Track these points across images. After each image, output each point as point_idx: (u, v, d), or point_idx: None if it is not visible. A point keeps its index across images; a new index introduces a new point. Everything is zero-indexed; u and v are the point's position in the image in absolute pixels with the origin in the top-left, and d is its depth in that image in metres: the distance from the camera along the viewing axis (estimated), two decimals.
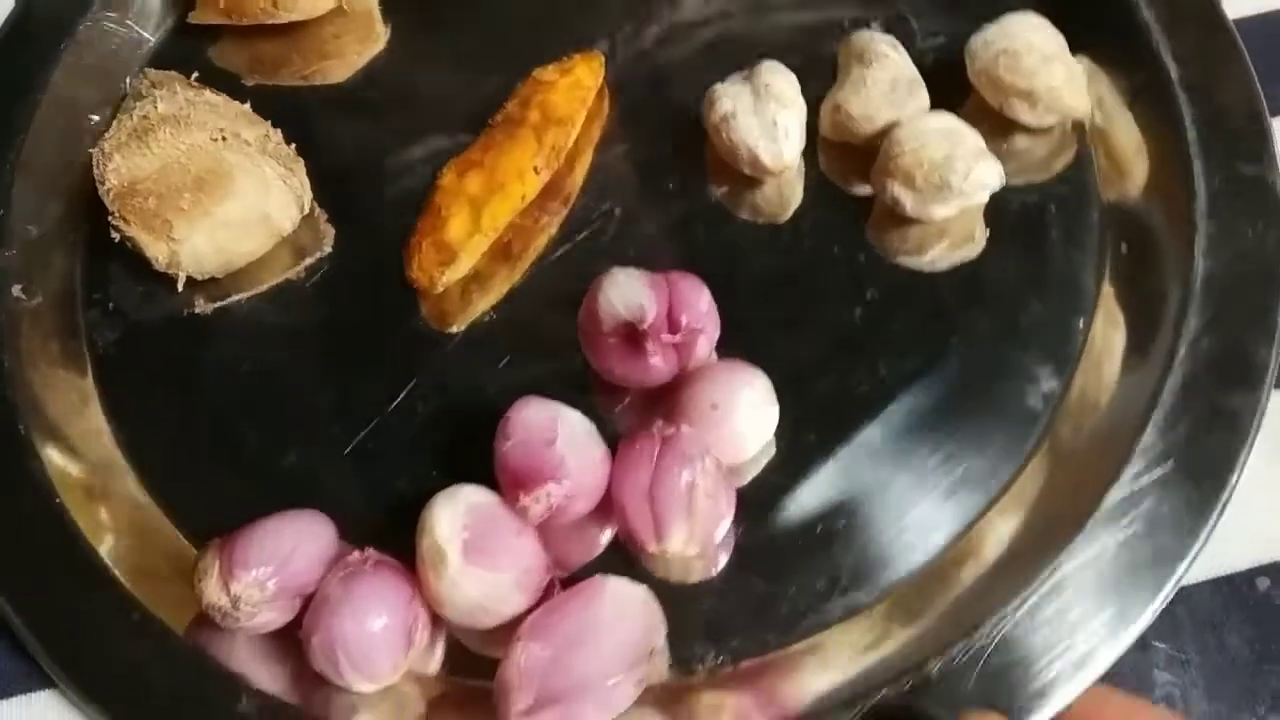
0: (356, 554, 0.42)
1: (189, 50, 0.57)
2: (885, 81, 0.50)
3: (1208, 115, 0.49)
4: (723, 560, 0.45)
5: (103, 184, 0.48)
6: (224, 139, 0.49)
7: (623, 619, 0.40)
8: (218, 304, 0.51)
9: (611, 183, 0.53)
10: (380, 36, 0.58)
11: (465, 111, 0.54)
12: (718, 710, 0.42)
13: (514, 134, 0.50)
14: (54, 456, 0.47)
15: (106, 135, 0.48)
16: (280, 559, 0.41)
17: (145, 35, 0.58)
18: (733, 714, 0.42)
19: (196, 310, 0.51)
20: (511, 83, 0.54)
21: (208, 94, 0.50)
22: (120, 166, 0.48)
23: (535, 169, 0.50)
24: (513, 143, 0.49)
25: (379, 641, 0.41)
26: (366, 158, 0.54)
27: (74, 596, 0.45)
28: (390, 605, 0.41)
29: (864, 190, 0.52)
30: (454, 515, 0.42)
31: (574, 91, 0.52)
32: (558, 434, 0.43)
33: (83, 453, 0.48)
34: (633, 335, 0.44)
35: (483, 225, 0.49)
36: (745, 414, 0.44)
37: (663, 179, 0.53)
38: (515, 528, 0.42)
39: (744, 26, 0.56)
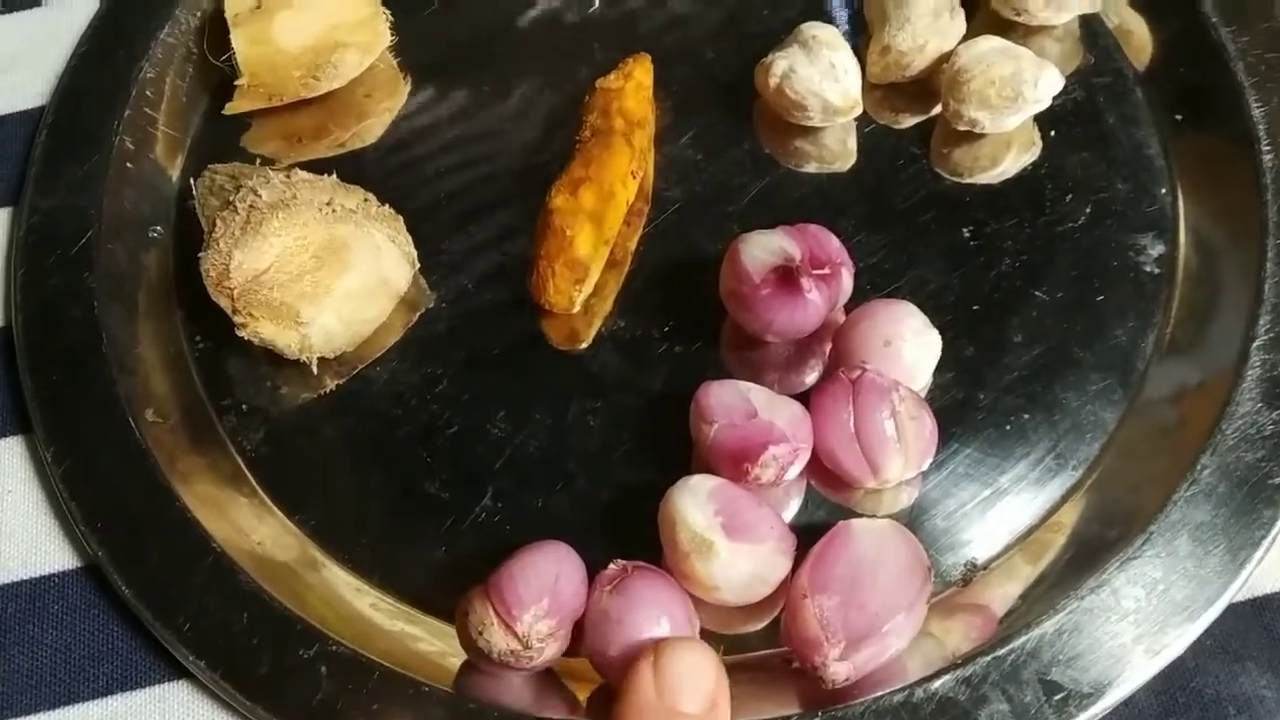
0: (613, 567, 0.43)
1: (222, 141, 0.57)
2: (927, 13, 0.53)
3: None
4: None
5: (222, 286, 0.47)
6: (330, 209, 0.49)
7: (886, 550, 0.42)
8: (348, 377, 0.51)
9: (679, 170, 0.55)
10: (404, 89, 0.58)
11: (503, 140, 0.56)
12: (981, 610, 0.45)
13: (609, 144, 0.51)
14: (250, 566, 0.46)
15: (214, 236, 0.48)
16: (550, 590, 0.42)
17: (178, 135, 0.56)
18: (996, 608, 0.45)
19: (330, 389, 0.51)
20: (533, 105, 0.56)
21: (298, 173, 0.49)
22: (242, 263, 0.47)
23: (632, 173, 0.51)
24: (610, 153, 0.51)
25: None
26: (431, 202, 0.55)
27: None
28: (666, 604, 0.42)
29: (912, 122, 0.55)
30: (701, 503, 0.43)
31: (640, 92, 0.53)
32: (754, 405, 0.45)
33: (276, 554, 0.47)
34: (785, 278, 0.46)
35: (605, 236, 0.50)
36: (913, 344, 0.47)
37: (725, 155, 0.55)
38: (754, 499, 0.44)
39: (761, 2, 0.59)
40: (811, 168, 0.55)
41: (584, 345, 0.51)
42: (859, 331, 0.47)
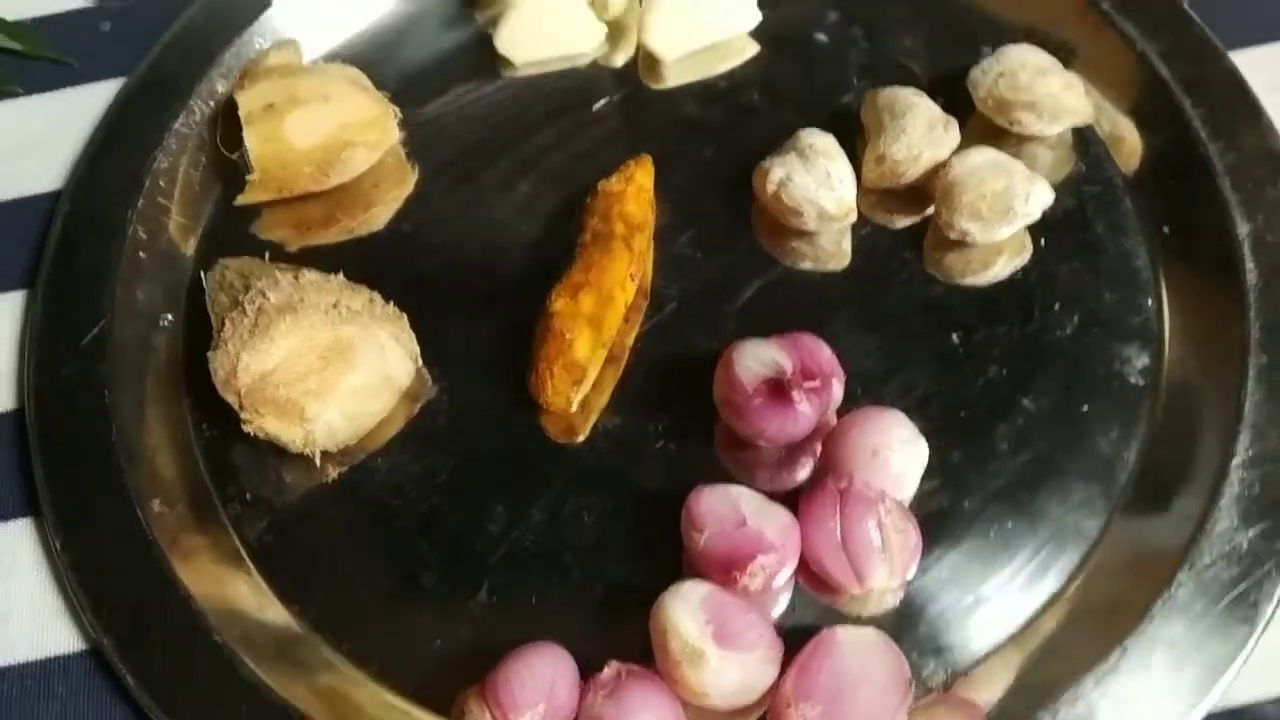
0: (607, 671, 0.44)
1: (233, 228, 0.58)
2: (922, 126, 0.55)
3: (1203, 99, 0.56)
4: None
5: (229, 385, 0.49)
6: (337, 311, 0.50)
7: (869, 662, 0.44)
8: (350, 467, 0.52)
9: (678, 267, 0.56)
10: (411, 177, 0.60)
11: (507, 234, 0.57)
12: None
13: (609, 249, 0.52)
14: (250, 656, 0.47)
15: (223, 337, 0.49)
16: (546, 695, 0.43)
17: (190, 223, 0.58)
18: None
19: (332, 478, 0.52)
20: (537, 201, 0.58)
21: (305, 274, 0.51)
22: (249, 365, 0.48)
23: (631, 276, 0.53)
24: (609, 258, 0.52)
25: None
26: (435, 294, 0.56)
27: None
28: (657, 710, 0.43)
29: (906, 223, 0.57)
30: (692, 611, 0.44)
31: (641, 195, 0.55)
32: (744, 513, 0.46)
33: (272, 640, 0.48)
34: (777, 391, 0.48)
35: (604, 339, 0.51)
36: (901, 454, 0.48)
37: (723, 254, 0.56)
38: (743, 606, 0.45)
39: (762, 105, 0.60)
40: (807, 266, 0.56)
41: (581, 439, 0.53)
42: (849, 439, 0.48)
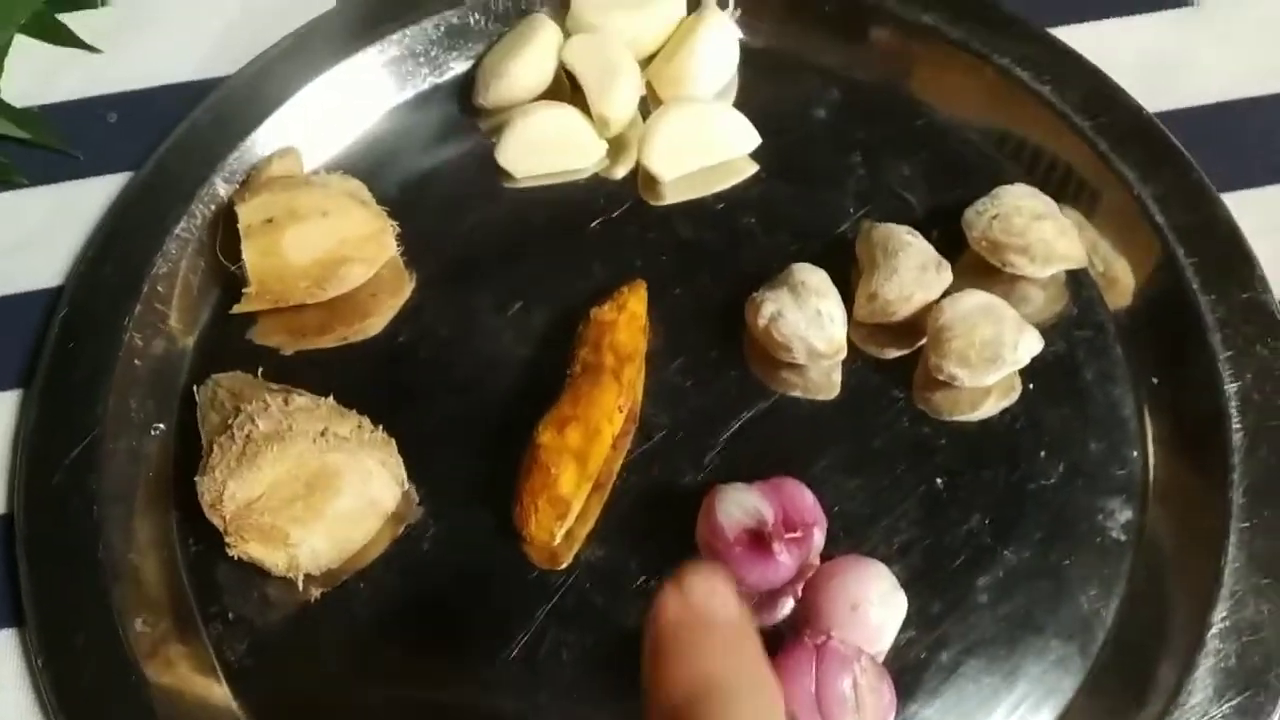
0: None
1: (228, 334, 0.59)
2: (914, 267, 0.55)
3: (1196, 249, 0.56)
4: None
5: (216, 510, 0.49)
6: (324, 439, 0.50)
7: None
8: (332, 587, 0.53)
9: (667, 395, 0.56)
10: (409, 286, 0.60)
11: (499, 353, 0.57)
12: None
13: (598, 381, 0.53)
14: None
15: (211, 463, 0.49)
16: None
17: (186, 329, 0.58)
18: None
19: (315, 598, 0.52)
20: (530, 320, 0.58)
21: (296, 399, 0.51)
22: (235, 493, 0.49)
23: (619, 408, 0.53)
24: (598, 390, 0.52)
25: None
26: (424, 413, 0.56)
27: None
28: None
29: (896, 355, 0.57)
30: None
31: (633, 324, 0.55)
32: None
33: None
34: (757, 540, 0.48)
35: (589, 473, 0.52)
36: (880, 608, 0.48)
37: (714, 384, 0.56)
38: None
39: (758, 229, 0.61)
40: (796, 394, 0.57)
41: (564, 565, 0.53)
42: (828, 591, 0.49)
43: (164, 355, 0.58)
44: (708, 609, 0.38)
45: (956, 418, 0.55)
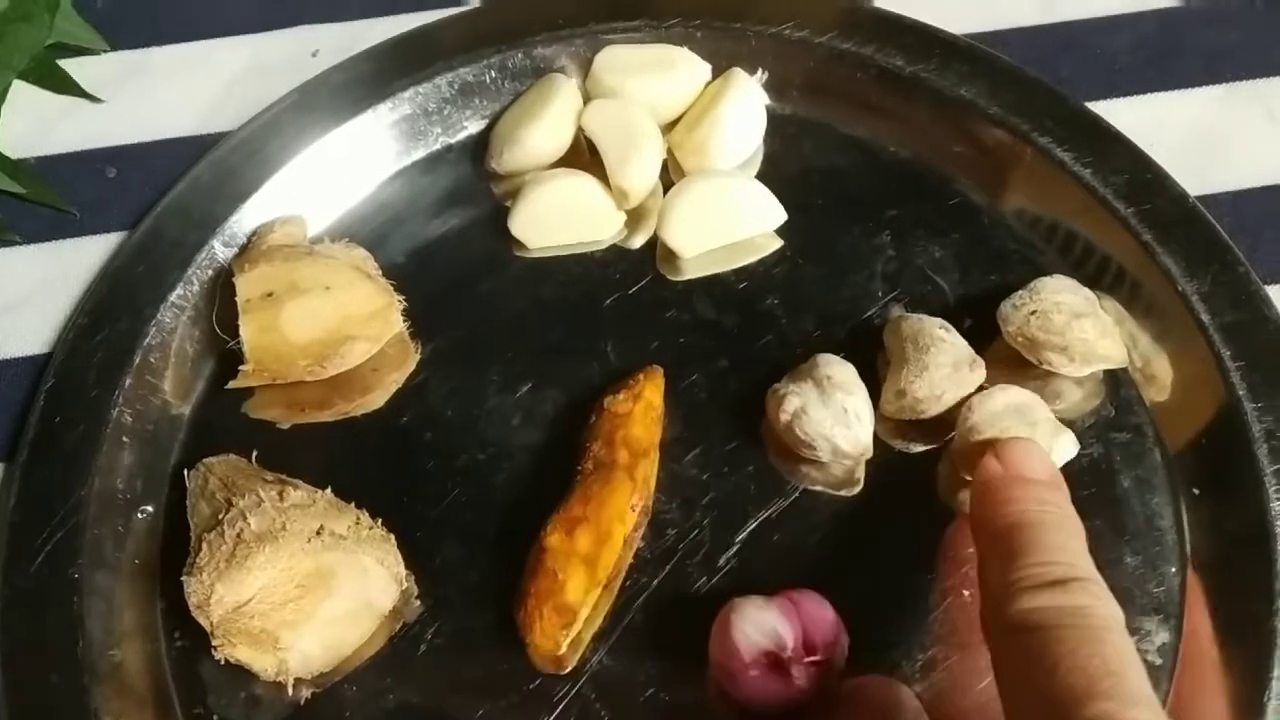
0: None
1: (222, 408, 0.56)
2: (947, 365, 0.52)
3: (1243, 350, 0.53)
4: None
5: (203, 612, 0.46)
6: (320, 538, 0.48)
7: None
8: (323, 689, 0.50)
9: (682, 489, 0.54)
10: (412, 360, 0.57)
11: (506, 438, 0.55)
12: None
13: (609, 480, 0.50)
14: None
15: (199, 563, 0.47)
16: None
17: (178, 404, 0.56)
18: None
19: (304, 701, 0.50)
20: (539, 404, 0.55)
21: (291, 493, 0.49)
22: (224, 596, 0.46)
23: (632, 508, 0.50)
24: (610, 490, 0.50)
25: None
26: (425, 504, 0.53)
27: None
28: None
29: (923, 448, 0.54)
30: None
31: (648, 415, 0.52)
32: None
33: None
34: (775, 666, 0.46)
35: (598, 578, 0.49)
36: None
37: (730, 477, 0.54)
38: None
39: (781, 311, 0.58)
40: (817, 489, 0.54)
41: (568, 670, 0.50)
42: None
43: (154, 431, 0.55)
44: (1024, 469, 0.45)
45: None
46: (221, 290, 0.57)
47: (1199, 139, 0.62)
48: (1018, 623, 0.40)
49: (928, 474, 0.54)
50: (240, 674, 0.49)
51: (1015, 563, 0.42)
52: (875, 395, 0.54)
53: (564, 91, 0.61)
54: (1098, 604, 0.41)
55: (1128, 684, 0.38)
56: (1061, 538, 0.43)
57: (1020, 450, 0.46)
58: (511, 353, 0.57)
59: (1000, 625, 0.41)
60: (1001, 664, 0.42)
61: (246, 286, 0.54)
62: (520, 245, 0.60)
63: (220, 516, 0.48)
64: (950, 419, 0.54)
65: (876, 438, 0.53)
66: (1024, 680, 0.40)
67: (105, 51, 0.66)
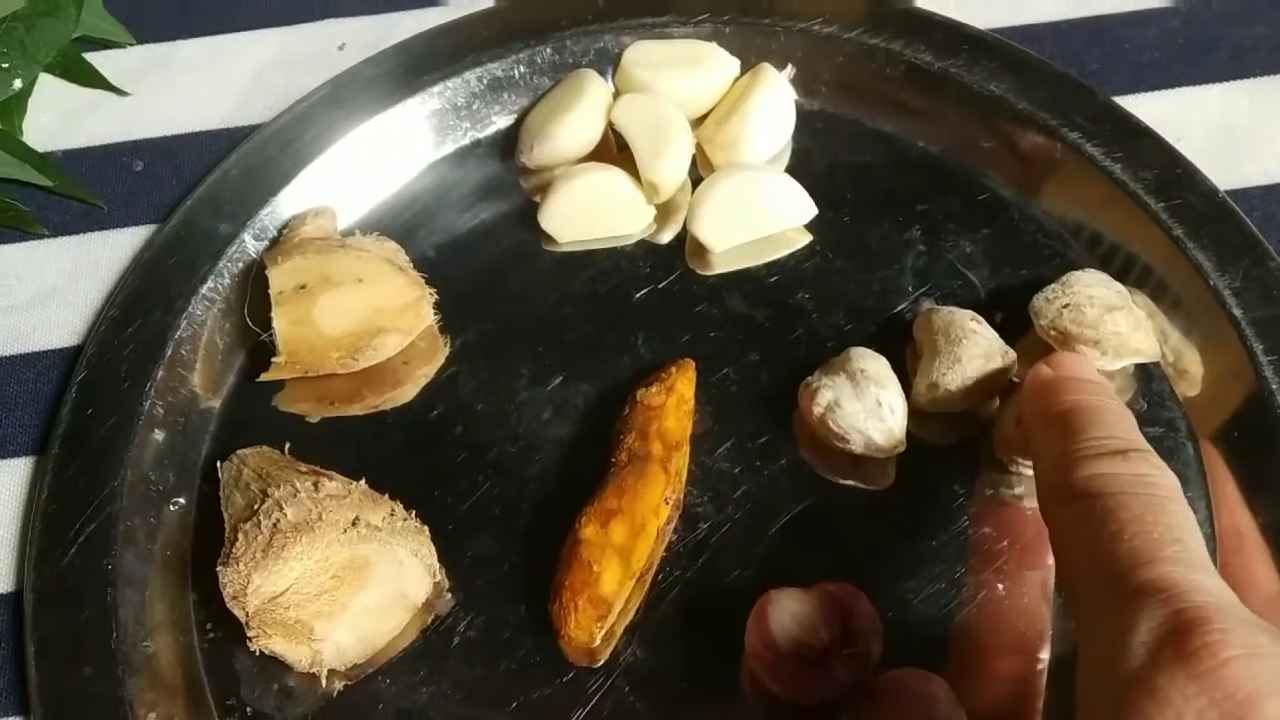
0: None
1: (253, 401, 0.56)
2: (979, 357, 0.52)
3: (1275, 345, 0.53)
4: None
5: (239, 603, 0.46)
6: (355, 529, 0.48)
7: None
8: (356, 681, 0.50)
9: (713, 483, 0.54)
10: (443, 352, 0.57)
11: (538, 432, 0.55)
12: None
13: (644, 472, 0.50)
14: None
15: (234, 553, 0.46)
16: None
17: (209, 397, 0.56)
18: None
19: (338, 692, 0.50)
20: (571, 396, 0.55)
21: (327, 484, 0.48)
22: (260, 586, 0.46)
23: (666, 500, 0.50)
24: (645, 482, 0.50)
25: None
26: (458, 497, 0.53)
27: None
28: None
29: (955, 440, 0.54)
30: None
31: (681, 408, 0.52)
32: None
33: None
34: (813, 658, 0.46)
35: (633, 570, 0.49)
36: None
37: (763, 471, 0.54)
38: None
39: (811, 305, 0.58)
40: (849, 482, 0.54)
41: (600, 664, 0.50)
42: (886, 712, 0.46)
43: (185, 423, 0.55)
44: (1075, 372, 0.47)
45: (1027, 503, 0.52)
46: (252, 283, 0.57)
47: (1227, 133, 0.62)
48: (1081, 489, 0.40)
49: (958, 468, 0.54)
50: (272, 666, 0.49)
51: (1076, 437, 0.42)
52: (906, 389, 0.54)
53: (593, 86, 0.61)
54: (1159, 473, 0.41)
55: (1190, 550, 0.38)
56: (1117, 418, 0.44)
57: (1071, 358, 0.48)
58: (541, 346, 0.57)
59: (1062, 494, 0.41)
60: (1061, 532, 0.41)
61: (280, 279, 0.54)
62: (550, 239, 0.60)
63: (255, 507, 0.48)
64: (980, 415, 0.54)
65: (907, 431, 0.53)
66: (1087, 546, 0.39)
67: (131, 45, 0.66)
